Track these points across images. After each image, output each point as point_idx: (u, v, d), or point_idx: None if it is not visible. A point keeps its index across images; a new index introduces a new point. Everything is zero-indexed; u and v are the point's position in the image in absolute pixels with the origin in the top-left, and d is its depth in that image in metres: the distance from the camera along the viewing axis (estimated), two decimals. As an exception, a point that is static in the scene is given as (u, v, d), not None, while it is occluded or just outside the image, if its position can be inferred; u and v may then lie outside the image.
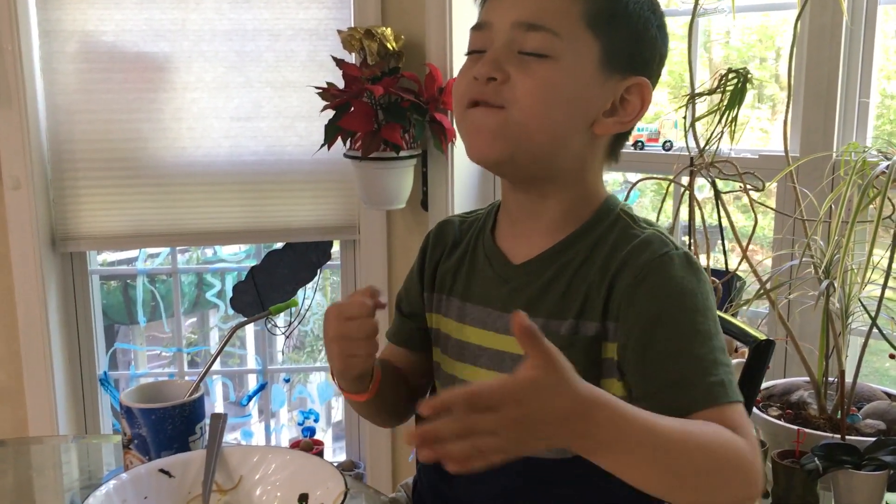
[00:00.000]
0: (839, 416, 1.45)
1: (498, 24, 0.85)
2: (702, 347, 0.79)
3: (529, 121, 0.83)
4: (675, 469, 0.69)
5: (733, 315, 1.56)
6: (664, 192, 1.91)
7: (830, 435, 1.40)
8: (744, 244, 1.59)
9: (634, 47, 0.86)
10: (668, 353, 0.80)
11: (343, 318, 0.86)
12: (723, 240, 1.61)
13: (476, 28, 0.88)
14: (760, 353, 0.99)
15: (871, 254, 1.36)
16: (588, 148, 0.88)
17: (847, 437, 1.40)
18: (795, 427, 1.42)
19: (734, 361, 1.66)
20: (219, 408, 2.71)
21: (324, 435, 2.82)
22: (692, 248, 1.65)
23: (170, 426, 1.00)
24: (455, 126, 0.89)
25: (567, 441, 0.66)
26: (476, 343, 0.93)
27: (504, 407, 0.63)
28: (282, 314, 2.67)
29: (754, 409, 1.49)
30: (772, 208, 1.70)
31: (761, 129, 2.61)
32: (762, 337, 0.99)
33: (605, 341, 0.85)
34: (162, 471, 0.92)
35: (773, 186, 1.75)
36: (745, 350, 1.69)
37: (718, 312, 1.11)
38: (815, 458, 1.31)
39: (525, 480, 0.89)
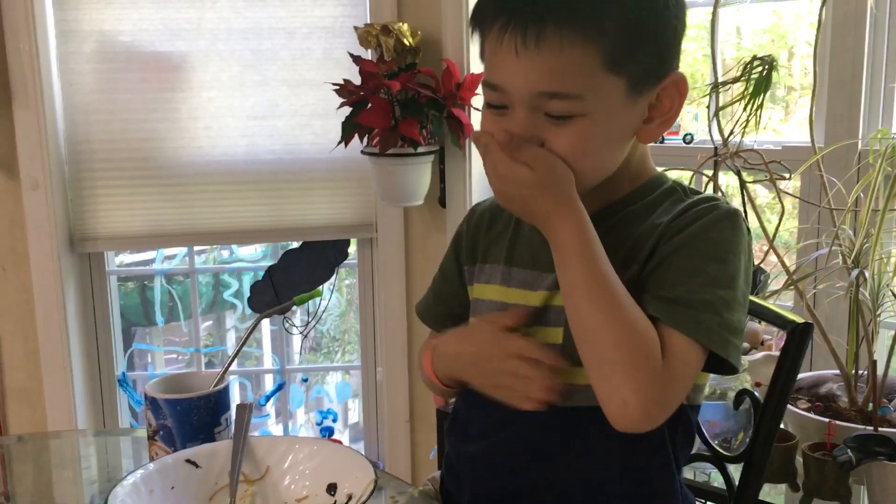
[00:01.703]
0: (870, 408, 1.43)
1: (515, 91, 0.82)
2: (698, 286, 0.82)
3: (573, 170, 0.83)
4: (593, 302, 0.80)
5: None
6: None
7: (862, 427, 1.38)
8: (768, 237, 1.57)
9: (659, 59, 0.84)
10: (669, 278, 0.83)
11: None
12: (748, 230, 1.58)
13: (490, 87, 0.85)
14: (799, 336, 0.96)
15: (902, 241, 1.33)
16: (632, 147, 0.89)
17: (879, 428, 1.37)
18: (826, 419, 1.39)
19: (759, 354, 1.65)
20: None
21: (341, 436, 2.81)
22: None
23: (195, 417, 0.98)
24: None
25: (556, 196, 0.81)
26: (521, 304, 0.92)
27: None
28: (298, 314, 2.66)
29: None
30: (799, 198, 1.67)
31: (773, 130, 2.58)
32: (800, 320, 0.97)
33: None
34: (189, 461, 0.91)
35: (796, 182, 1.72)
36: (772, 343, 1.66)
37: (752, 298, 1.09)
38: (848, 450, 1.28)
39: (543, 440, 0.90)
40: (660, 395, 0.79)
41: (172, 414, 0.98)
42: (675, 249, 0.83)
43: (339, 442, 2.36)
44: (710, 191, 1.63)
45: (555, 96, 0.80)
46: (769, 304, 1.04)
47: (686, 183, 0.98)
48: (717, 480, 1.30)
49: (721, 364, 0.83)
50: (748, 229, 0.87)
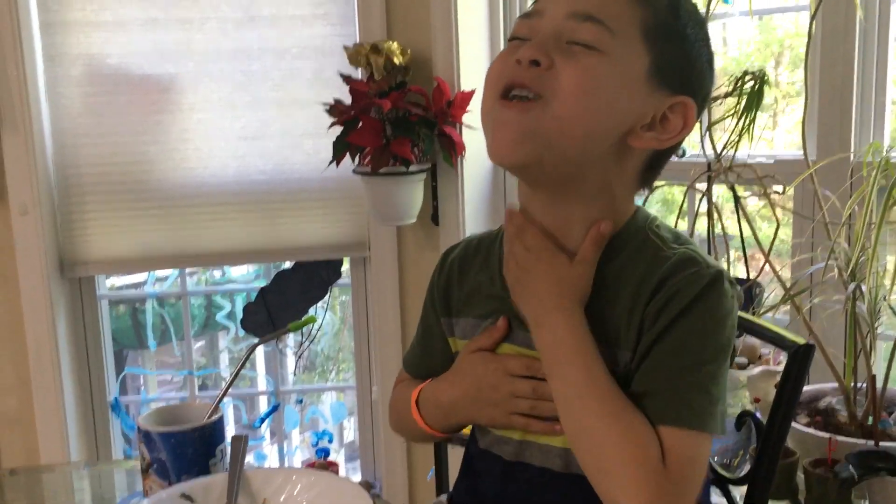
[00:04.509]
0: (870, 422, 1.42)
1: (551, 13, 0.82)
2: (683, 369, 0.79)
3: (568, 114, 0.79)
4: (583, 410, 0.78)
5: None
6: (677, 201, 1.89)
7: (863, 441, 1.37)
8: (763, 251, 1.57)
9: (685, 69, 0.84)
10: (653, 367, 0.80)
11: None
12: (743, 246, 1.58)
13: (525, 16, 0.85)
14: (800, 357, 0.95)
15: (898, 255, 1.33)
16: (618, 160, 0.84)
17: (880, 443, 1.36)
18: (827, 435, 1.39)
19: (758, 369, 1.64)
20: (231, 430, 2.68)
21: (336, 455, 2.79)
22: (712, 255, 1.62)
23: (190, 449, 0.97)
24: (480, 119, 0.86)
25: (550, 296, 0.82)
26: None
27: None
28: (292, 335, 2.64)
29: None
30: (794, 212, 1.67)
31: (763, 138, 2.59)
32: (801, 341, 0.96)
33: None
34: (184, 495, 0.90)
35: (789, 192, 1.72)
36: (769, 357, 1.66)
37: (752, 317, 1.09)
38: (850, 466, 1.28)
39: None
40: (661, 500, 0.74)
41: (166, 447, 0.96)
42: (659, 335, 0.80)
43: (336, 464, 2.34)
44: (703, 206, 1.63)
45: (589, 19, 0.80)
46: (769, 323, 1.03)
47: (668, 222, 0.94)
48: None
49: None
50: (732, 283, 0.83)
